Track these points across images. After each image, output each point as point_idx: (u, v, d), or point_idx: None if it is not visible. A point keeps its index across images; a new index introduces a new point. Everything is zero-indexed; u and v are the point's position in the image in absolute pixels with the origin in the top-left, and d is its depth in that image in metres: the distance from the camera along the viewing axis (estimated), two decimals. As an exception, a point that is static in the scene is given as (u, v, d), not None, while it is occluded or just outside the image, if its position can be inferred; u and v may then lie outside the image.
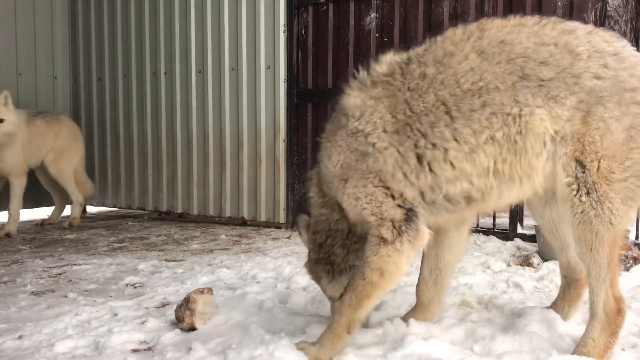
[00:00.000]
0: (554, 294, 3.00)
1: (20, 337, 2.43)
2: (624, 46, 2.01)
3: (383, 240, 2.06)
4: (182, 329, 2.49)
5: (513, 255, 3.83)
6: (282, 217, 5.44)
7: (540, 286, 3.16)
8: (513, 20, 2.08)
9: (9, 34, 6.29)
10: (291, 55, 5.32)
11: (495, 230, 4.55)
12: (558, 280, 3.23)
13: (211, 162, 5.89)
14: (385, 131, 2.06)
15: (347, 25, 5.11)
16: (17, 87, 6.38)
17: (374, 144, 2.07)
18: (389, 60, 2.17)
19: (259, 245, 4.59)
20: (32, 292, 3.19)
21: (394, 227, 2.05)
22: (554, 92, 1.95)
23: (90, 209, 6.86)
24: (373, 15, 4.98)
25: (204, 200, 5.98)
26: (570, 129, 1.95)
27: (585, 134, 1.93)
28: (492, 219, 4.60)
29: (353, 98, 2.15)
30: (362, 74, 2.19)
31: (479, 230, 4.54)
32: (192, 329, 2.48)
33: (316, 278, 2.40)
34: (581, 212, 1.96)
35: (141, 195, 6.46)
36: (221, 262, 3.94)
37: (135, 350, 2.30)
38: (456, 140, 2.00)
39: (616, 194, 1.93)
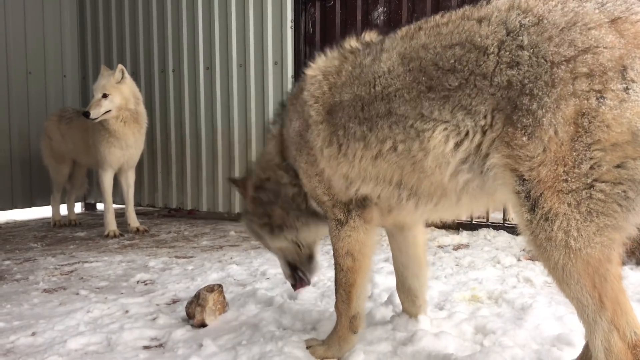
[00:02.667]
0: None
1: (33, 334, 2.45)
2: (557, 5, 1.51)
3: (339, 222, 2.05)
4: (192, 326, 2.51)
5: (523, 250, 3.81)
6: (291, 213, 5.44)
7: (550, 280, 3.14)
8: (455, 14, 1.75)
9: (18, 33, 6.34)
10: (299, 51, 5.32)
11: (506, 224, 4.53)
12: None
13: (220, 158, 5.91)
14: (323, 106, 1.98)
15: (355, 20, 5.09)
16: (27, 85, 6.43)
17: (311, 116, 2.00)
18: (362, 39, 2.03)
19: (268, 242, 4.59)
20: (45, 290, 3.22)
21: (345, 207, 2.03)
22: (464, 102, 1.60)
23: (101, 206, 6.90)
24: (380, 9, 4.96)
25: (213, 196, 6.01)
26: (494, 135, 1.55)
27: (514, 136, 1.49)
28: (502, 214, 4.58)
29: (312, 69, 2.08)
30: (335, 47, 2.08)
31: (489, 225, 4.52)
32: (203, 325, 2.50)
33: (256, 235, 2.46)
34: (531, 235, 1.51)
35: (151, 193, 6.50)
36: (231, 258, 3.96)
37: (146, 347, 2.31)
38: (364, 141, 1.86)
39: (572, 208, 1.42)
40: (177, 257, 4.07)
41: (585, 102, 1.38)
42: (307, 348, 2.14)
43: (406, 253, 2.35)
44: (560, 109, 1.41)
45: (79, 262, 3.92)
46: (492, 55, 1.55)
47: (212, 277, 3.37)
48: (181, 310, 2.69)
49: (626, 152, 1.35)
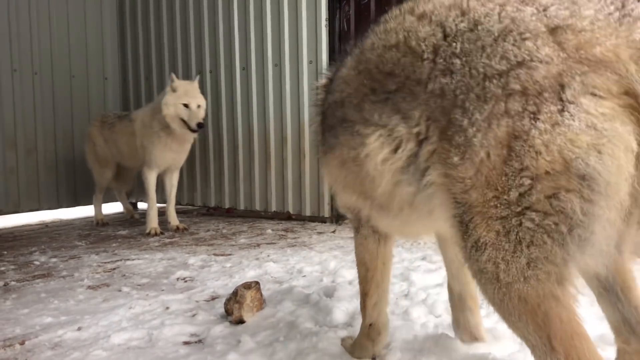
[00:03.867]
0: (588, 290, 2.91)
1: (79, 329, 2.54)
2: (495, 9, 1.30)
3: (355, 229, 2.01)
4: (230, 322, 2.54)
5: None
6: (326, 212, 5.47)
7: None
8: (405, 6, 1.57)
9: (62, 41, 6.55)
10: (333, 50, 5.32)
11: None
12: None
13: (256, 157, 5.97)
14: (321, 115, 1.93)
15: (389, 17, 5.05)
16: (70, 88, 6.64)
17: (319, 123, 1.91)
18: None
19: (304, 240, 4.62)
20: (89, 286, 3.32)
21: (356, 215, 1.96)
22: (400, 105, 1.45)
23: (142, 205, 7.07)
24: (415, 6, 4.92)
25: (250, 195, 6.07)
26: (430, 148, 1.38)
27: (449, 154, 1.32)
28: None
29: (324, 76, 2.00)
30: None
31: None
32: (241, 321, 2.53)
33: None
34: (467, 264, 1.36)
35: (190, 192, 6.62)
36: (268, 256, 3.99)
37: (186, 343, 2.36)
38: (332, 149, 1.78)
39: (501, 237, 1.24)
40: (215, 254, 4.13)
41: (518, 123, 1.20)
42: (342, 345, 2.16)
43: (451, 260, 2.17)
44: (492, 128, 1.23)
45: (121, 260, 4.03)
46: (427, 61, 1.40)
47: (250, 275, 3.41)
48: (220, 307, 2.73)
49: (558, 182, 1.17)
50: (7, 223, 6.03)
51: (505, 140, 1.21)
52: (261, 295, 2.68)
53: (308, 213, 5.60)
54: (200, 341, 2.38)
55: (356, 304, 2.70)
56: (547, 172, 1.17)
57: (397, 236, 2.10)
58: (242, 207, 6.14)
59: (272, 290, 3.01)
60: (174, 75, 5.05)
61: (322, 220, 5.48)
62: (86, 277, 3.54)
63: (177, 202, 6.76)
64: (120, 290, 3.20)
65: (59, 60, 6.52)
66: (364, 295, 2.04)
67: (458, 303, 2.16)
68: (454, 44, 1.33)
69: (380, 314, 2.06)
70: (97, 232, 5.39)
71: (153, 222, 5.17)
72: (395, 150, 1.47)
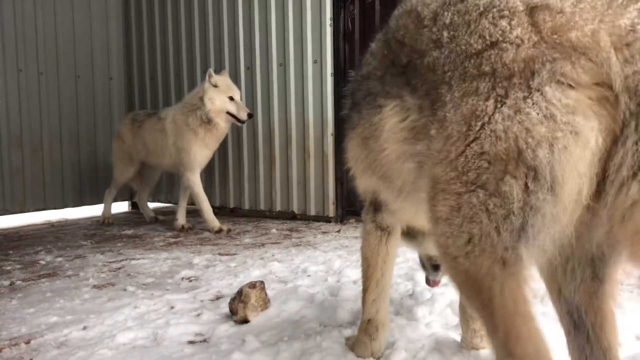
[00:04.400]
0: (614, 287, 2.90)
1: (84, 328, 2.55)
2: None
3: (363, 222, 2.00)
4: (235, 322, 2.55)
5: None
6: (331, 211, 5.46)
7: (599, 279, 3.05)
8: None
9: (67, 41, 6.57)
10: (338, 49, 5.32)
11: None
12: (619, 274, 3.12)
13: (261, 157, 5.97)
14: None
15: (394, 17, 5.05)
16: (75, 88, 6.66)
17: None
18: None
19: (309, 239, 4.62)
20: (94, 286, 3.33)
21: (366, 208, 1.96)
22: (410, 77, 1.42)
23: (152, 205, 7.08)
24: (420, 5, 4.91)
25: (254, 195, 6.08)
26: (423, 121, 1.36)
27: (431, 127, 1.31)
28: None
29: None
30: None
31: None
32: (245, 321, 2.53)
33: None
34: (433, 238, 1.35)
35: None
36: (272, 255, 4.00)
37: (191, 342, 2.36)
38: (354, 127, 1.76)
39: (453, 212, 1.23)
40: (220, 254, 4.14)
41: (484, 105, 1.15)
42: (346, 344, 2.16)
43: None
44: (461, 107, 1.19)
45: (126, 259, 4.04)
46: (426, 29, 1.35)
47: (254, 274, 3.42)
48: (224, 307, 2.73)
49: (507, 168, 1.12)
50: (13, 223, 6.05)
51: (471, 121, 1.17)
52: (266, 294, 2.69)
53: (313, 213, 5.60)
54: (205, 340, 2.38)
55: (361, 303, 2.71)
56: (501, 158, 1.12)
57: (412, 228, 2.07)
58: (246, 206, 6.15)
59: (276, 290, 3.01)
60: (211, 71, 5.08)
61: (327, 219, 5.48)
62: (91, 276, 3.55)
63: (182, 202, 6.79)
64: (125, 290, 3.21)
65: (65, 60, 6.54)
66: (364, 290, 2.06)
67: (460, 308, 2.15)
68: (446, 13, 1.29)
69: (378, 311, 2.06)
70: (102, 231, 5.41)
71: (215, 222, 5.16)
72: (403, 120, 1.45)
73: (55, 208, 6.49)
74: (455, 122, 1.20)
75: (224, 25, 6.16)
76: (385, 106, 1.52)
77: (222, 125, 5.11)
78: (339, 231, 4.96)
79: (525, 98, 1.08)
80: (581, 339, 1.45)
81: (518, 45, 1.11)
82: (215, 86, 5.04)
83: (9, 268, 3.84)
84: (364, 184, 1.87)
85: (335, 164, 5.41)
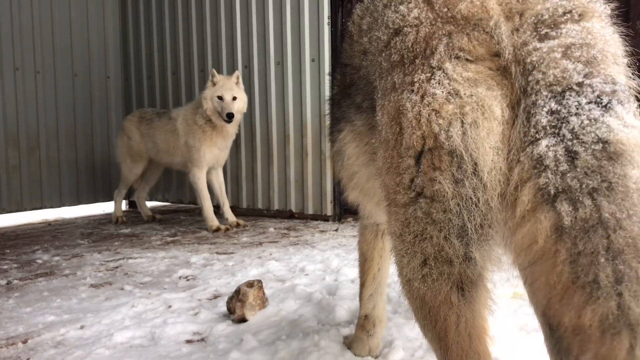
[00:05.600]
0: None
1: (82, 327, 2.54)
2: None
3: (360, 217, 1.98)
4: (233, 321, 2.54)
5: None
6: (329, 210, 5.46)
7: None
8: None
9: (64, 39, 6.55)
10: (336, 48, 5.31)
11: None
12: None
13: (259, 156, 5.97)
14: None
15: (392, 15, 5.04)
16: (72, 86, 6.64)
17: None
18: None
19: (306, 238, 4.62)
20: (92, 285, 3.32)
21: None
22: (354, 97, 1.42)
23: (150, 203, 7.07)
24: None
25: (252, 193, 6.07)
26: (375, 139, 1.31)
27: (373, 136, 1.26)
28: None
29: None
30: None
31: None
32: (243, 320, 2.53)
33: None
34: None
35: (192, 190, 6.59)
36: (270, 254, 3.99)
37: (189, 341, 2.36)
38: (333, 143, 1.75)
39: (405, 227, 1.12)
40: (217, 253, 4.13)
41: (399, 97, 1.08)
42: (344, 343, 2.16)
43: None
44: (386, 107, 1.13)
45: (123, 258, 4.03)
46: (356, 44, 1.36)
47: (252, 273, 3.41)
48: (222, 306, 2.73)
49: (432, 161, 1.03)
50: (9, 221, 6.04)
51: (395, 118, 1.10)
52: (263, 293, 2.68)
53: (310, 211, 5.59)
54: (202, 340, 2.38)
55: (358, 302, 2.71)
56: (422, 150, 1.04)
57: None
58: (244, 205, 6.14)
59: (274, 289, 3.01)
60: (214, 71, 5.11)
61: (325, 218, 5.48)
62: (89, 275, 3.55)
63: (180, 201, 6.80)
64: (122, 289, 3.20)
65: (62, 59, 6.52)
66: (361, 286, 2.05)
67: None
68: (364, 20, 1.26)
69: (375, 307, 2.05)
70: (99, 230, 5.39)
71: (214, 221, 5.17)
72: (358, 145, 1.44)
73: (52, 207, 6.48)
74: (386, 124, 1.13)
75: (221, 24, 6.14)
76: (342, 131, 1.52)
77: (217, 123, 5.12)
78: (336, 230, 4.96)
79: (428, 79, 1.03)
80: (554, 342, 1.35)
81: (417, 26, 1.06)
82: (214, 85, 5.09)
83: (5, 267, 3.83)
84: (350, 197, 1.85)
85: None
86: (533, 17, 0.97)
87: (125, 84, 7.19)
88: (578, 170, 0.85)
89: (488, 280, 1.12)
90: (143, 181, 6.06)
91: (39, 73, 6.30)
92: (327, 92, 5.35)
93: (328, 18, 5.32)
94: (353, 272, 3.24)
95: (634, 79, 0.98)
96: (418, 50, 1.05)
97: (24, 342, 2.40)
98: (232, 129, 5.23)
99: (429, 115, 1.02)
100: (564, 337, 0.84)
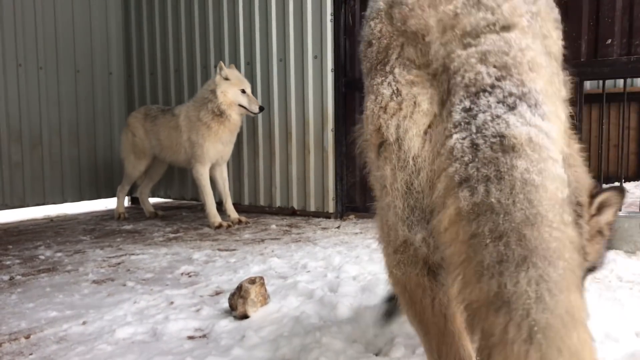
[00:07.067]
0: (614, 284, 2.90)
1: (84, 323, 2.55)
2: None
3: None
4: (235, 317, 2.55)
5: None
6: (331, 207, 5.46)
7: (599, 276, 3.05)
8: None
9: (67, 35, 6.55)
10: (338, 44, 5.30)
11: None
12: (619, 270, 3.12)
13: (261, 153, 5.97)
14: None
15: (395, 12, 5.03)
16: (75, 83, 6.65)
17: None
18: None
19: (308, 235, 4.62)
20: (94, 281, 3.33)
21: None
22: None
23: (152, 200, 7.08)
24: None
25: (254, 190, 6.07)
26: None
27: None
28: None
29: None
30: None
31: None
32: (245, 316, 2.53)
33: None
34: None
35: (194, 187, 6.61)
36: (272, 251, 4.00)
37: (190, 337, 2.37)
38: None
39: (381, 213, 1.27)
40: (220, 249, 4.14)
41: (366, 99, 1.29)
42: None
43: None
44: (365, 112, 1.31)
45: (125, 255, 4.04)
46: (362, 54, 1.43)
47: (254, 270, 3.42)
48: (224, 302, 2.74)
49: (381, 152, 1.20)
50: (12, 217, 6.05)
51: (365, 117, 1.27)
52: (265, 290, 2.69)
53: (312, 208, 5.59)
54: (204, 336, 2.38)
55: (360, 298, 2.71)
56: (374, 142, 1.21)
57: None
58: (246, 202, 6.14)
59: (276, 286, 3.01)
60: (222, 64, 5.11)
61: (327, 215, 5.48)
62: (91, 271, 3.55)
63: (182, 197, 6.80)
64: (124, 285, 3.21)
65: (64, 55, 6.52)
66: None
67: None
68: (362, 31, 1.39)
69: None
70: (101, 226, 5.40)
71: (216, 218, 5.17)
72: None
73: (54, 203, 6.49)
74: (363, 126, 1.29)
75: (224, 20, 6.14)
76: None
77: (234, 117, 5.13)
78: (338, 227, 4.96)
79: (382, 82, 1.20)
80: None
81: (379, 38, 1.24)
82: (227, 79, 5.06)
83: (8, 263, 3.84)
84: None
85: (335, 159, 5.41)
86: (460, 30, 1.10)
87: (128, 80, 7.19)
88: (477, 160, 0.94)
89: None
90: (146, 178, 6.06)
91: (41, 69, 6.31)
92: (329, 89, 5.36)
93: (331, 15, 5.31)
94: (354, 269, 3.24)
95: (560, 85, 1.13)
96: (380, 58, 1.23)
97: (27, 337, 2.40)
98: (238, 121, 5.22)
99: (378, 112, 1.19)
100: (467, 319, 0.91)
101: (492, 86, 1.01)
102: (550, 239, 0.85)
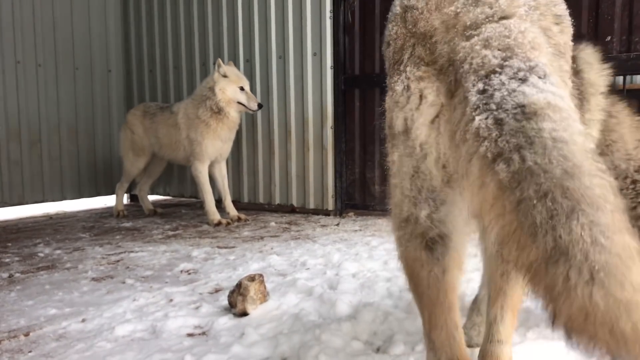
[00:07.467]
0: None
1: (83, 321, 2.55)
2: None
3: None
4: (234, 314, 2.55)
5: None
6: (330, 204, 5.46)
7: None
8: None
9: (66, 33, 6.53)
10: (338, 42, 5.30)
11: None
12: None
13: (260, 150, 5.96)
14: None
15: (394, 9, 5.02)
16: (74, 80, 6.63)
17: None
18: None
19: (308, 232, 4.62)
20: (93, 278, 3.33)
21: None
22: None
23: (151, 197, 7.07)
24: (420, -3, 4.88)
25: (254, 188, 6.07)
26: None
27: None
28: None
29: None
30: None
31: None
32: (244, 314, 2.53)
33: None
34: None
35: (193, 184, 6.60)
36: (271, 248, 4.00)
37: (190, 335, 2.37)
38: None
39: (390, 191, 1.44)
40: (219, 247, 4.14)
41: (386, 96, 1.42)
42: None
43: None
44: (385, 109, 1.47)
45: (124, 252, 4.04)
46: None
47: (253, 267, 3.42)
48: (223, 299, 2.74)
49: (394, 141, 1.36)
50: (11, 215, 6.05)
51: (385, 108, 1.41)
52: (265, 287, 2.69)
53: (312, 206, 5.59)
54: (204, 333, 2.38)
55: (360, 296, 2.71)
56: (389, 134, 1.36)
57: None
58: (245, 199, 6.14)
59: (275, 283, 3.01)
60: (220, 61, 5.11)
61: (326, 213, 5.48)
62: (90, 269, 3.55)
63: (181, 195, 6.80)
64: (124, 283, 3.21)
65: (63, 52, 6.51)
66: None
67: (471, 306, 2.10)
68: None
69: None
70: (100, 224, 5.40)
71: (215, 215, 5.16)
72: None
73: (53, 200, 6.48)
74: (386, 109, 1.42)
75: (223, 18, 6.13)
76: None
77: (233, 114, 5.14)
78: (338, 224, 4.96)
79: (397, 79, 1.31)
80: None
81: (395, 40, 1.35)
82: (225, 76, 5.05)
83: (7, 260, 3.84)
84: None
85: (335, 157, 5.40)
86: (461, 27, 1.19)
87: (127, 77, 7.17)
88: (505, 133, 1.00)
89: (459, 245, 1.35)
90: (146, 175, 6.06)
91: (40, 66, 6.29)
92: (329, 87, 5.36)
93: (330, 12, 5.31)
94: (354, 266, 3.24)
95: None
96: (396, 58, 1.34)
97: (26, 335, 2.40)
98: (237, 118, 5.22)
99: (392, 106, 1.32)
100: (529, 282, 0.95)
101: (501, 66, 1.08)
102: (593, 186, 0.90)
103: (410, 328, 2.25)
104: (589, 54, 2.00)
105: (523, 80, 1.04)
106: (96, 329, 2.45)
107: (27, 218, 5.91)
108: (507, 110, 1.01)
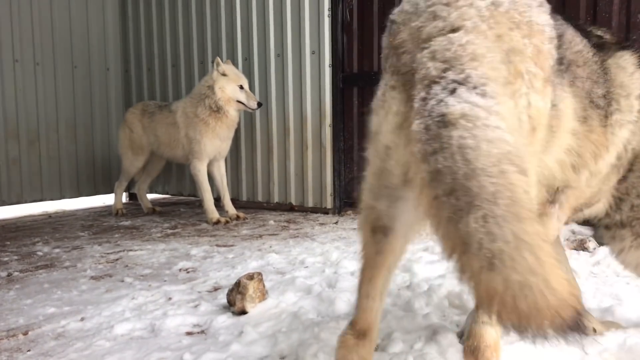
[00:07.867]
0: (611, 280, 2.91)
1: (82, 319, 2.55)
2: None
3: None
4: (233, 313, 2.55)
5: (567, 239, 3.72)
6: (329, 203, 5.46)
7: (596, 271, 3.06)
8: None
9: (64, 31, 6.53)
10: (336, 40, 5.29)
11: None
12: (615, 265, 3.13)
13: (259, 148, 5.96)
14: None
15: (393, 7, 4.97)
16: (72, 78, 6.63)
17: None
18: None
19: (306, 231, 4.63)
20: (92, 277, 3.33)
21: None
22: None
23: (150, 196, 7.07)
24: (419, -4, 4.88)
25: (252, 186, 6.07)
26: None
27: None
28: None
29: None
30: None
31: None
32: (243, 312, 2.54)
33: None
34: None
35: (192, 183, 6.59)
36: (270, 247, 4.00)
37: (189, 333, 2.37)
38: None
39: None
40: (218, 245, 4.14)
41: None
42: None
43: None
44: None
45: (123, 251, 4.04)
46: None
47: (252, 265, 3.42)
48: (222, 298, 2.74)
49: (369, 139, 1.54)
50: (10, 214, 6.04)
51: None
52: (263, 286, 2.69)
53: (310, 204, 5.59)
54: (202, 332, 2.39)
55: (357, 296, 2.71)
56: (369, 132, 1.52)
57: None
58: (244, 198, 6.14)
59: (274, 281, 3.01)
60: (219, 59, 5.11)
61: (325, 211, 5.48)
62: (89, 267, 3.55)
63: (180, 193, 6.80)
64: (123, 281, 3.21)
65: (61, 50, 6.50)
66: None
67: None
68: None
69: None
70: (99, 222, 5.40)
71: (214, 213, 5.16)
72: None
73: (52, 199, 6.48)
74: None
75: (221, 16, 6.12)
76: None
77: (232, 113, 5.14)
78: (336, 223, 4.97)
79: (380, 85, 1.47)
80: None
81: (384, 48, 1.51)
82: (224, 75, 5.05)
83: (6, 259, 3.84)
84: None
85: (333, 155, 5.40)
86: (421, 40, 1.32)
87: (125, 76, 7.17)
88: (429, 138, 1.14)
89: (400, 236, 1.57)
90: (144, 173, 6.05)
91: (38, 65, 6.29)
92: (327, 85, 5.36)
93: (328, 10, 5.30)
94: (352, 264, 3.24)
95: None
96: (384, 65, 1.49)
97: (25, 333, 2.41)
98: (236, 117, 5.22)
99: (373, 107, 1.48)
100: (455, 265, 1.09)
101: (440, 77, 1.22)
102: (489, 185, 1.03)
103: (408, 326, 2.25)
104: (625, 60, 2.02)
105: (452, 92, 1.18)
106: (95, 327, 2.46)
107: (25, 217, 5.91)
108: (433, 117, 1.16)
